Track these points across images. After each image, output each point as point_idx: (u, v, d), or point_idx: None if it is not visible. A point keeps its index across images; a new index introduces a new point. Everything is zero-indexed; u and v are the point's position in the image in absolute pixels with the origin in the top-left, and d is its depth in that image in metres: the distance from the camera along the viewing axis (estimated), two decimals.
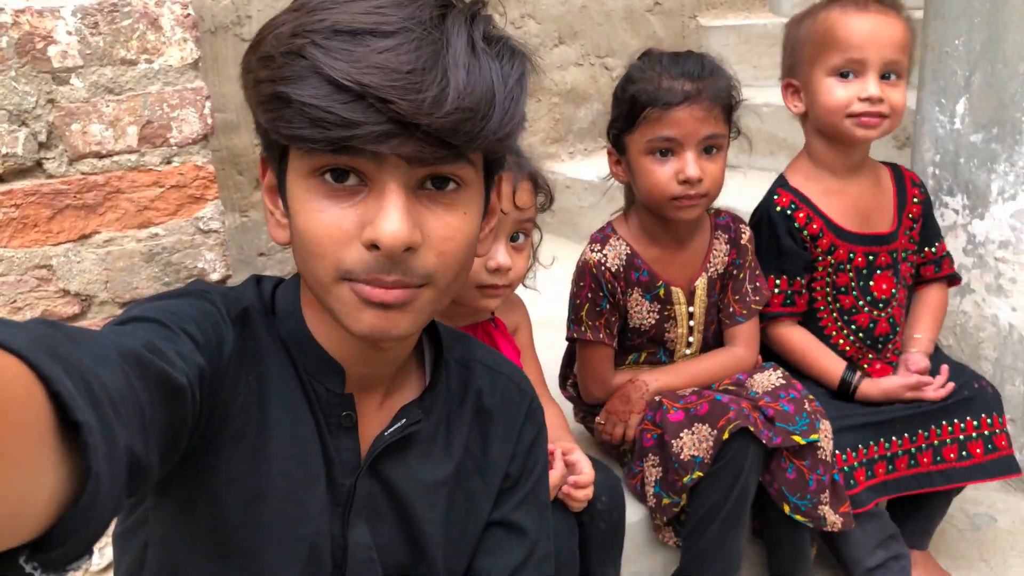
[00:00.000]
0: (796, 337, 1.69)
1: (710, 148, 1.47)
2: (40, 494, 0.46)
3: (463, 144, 0.72)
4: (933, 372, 1.66)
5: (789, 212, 1.66)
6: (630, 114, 1.48)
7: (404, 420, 0.91)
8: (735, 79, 1.50)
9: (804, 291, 1.68)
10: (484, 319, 1.45)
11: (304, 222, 0.75)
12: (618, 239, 1.59)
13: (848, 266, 1.67)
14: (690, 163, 1.44)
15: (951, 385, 1.63)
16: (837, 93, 1.57)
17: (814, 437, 1.48)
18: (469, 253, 0.81)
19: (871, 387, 1.65)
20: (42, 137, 1.44)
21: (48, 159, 1.46)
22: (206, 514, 0.82)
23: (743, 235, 1.64)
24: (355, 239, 0.74)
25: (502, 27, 0.79)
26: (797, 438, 1.46)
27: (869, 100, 1.54)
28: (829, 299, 1.69)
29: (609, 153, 1.58)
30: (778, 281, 1.67)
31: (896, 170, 1.74)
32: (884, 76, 1.55)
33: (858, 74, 1.55)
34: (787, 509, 1.49)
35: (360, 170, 0.73)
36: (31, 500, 0.46)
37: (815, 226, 1.65)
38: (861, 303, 1.68)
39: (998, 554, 1.78)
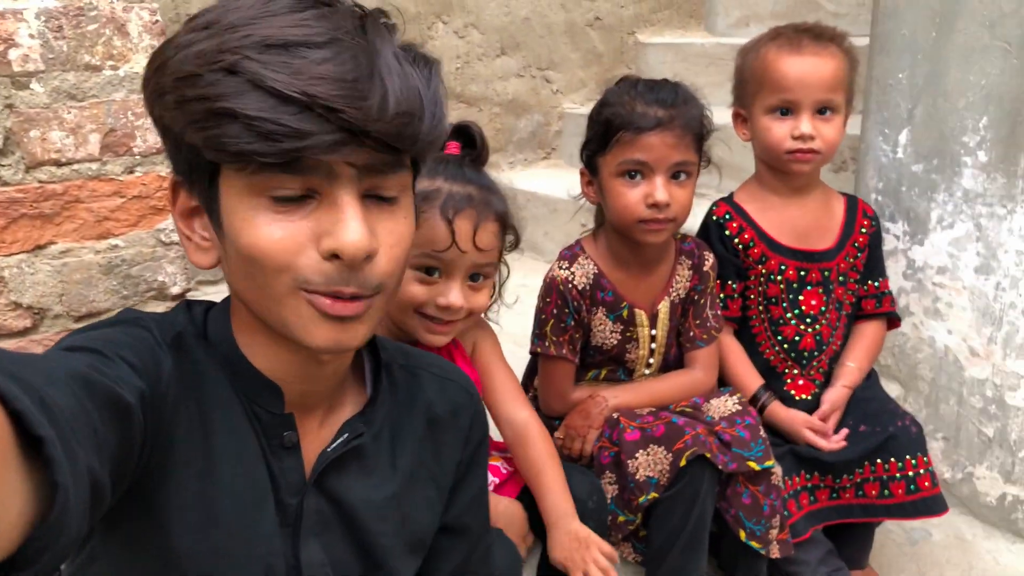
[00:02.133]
0: (725, 345, 1.75)
1: (679, 174, 1.50)
2: (8, 513, 0.47)
3: (406, 148, 0.75)
4: (859, 413, 1.74)
5: (722, 221, 1.75)
6: (604, 136, 1.50)
7: (347, 435, 0.92)
8: (708, 109, 1.54)
9: (737, 296, 1.75)
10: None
11: (252, 239, 0.74)
12: (586, 258, 1.61)
13: (779, 278, 1.73)
14: (659, 187, 1.47)
15: (843, 444, 1.69)
16: (773, 131, 1.65)
17: (769, 464, 1.52)
18: (408, 257, 0.84)
19: (778, 411, 1.72)
20: None
21: (4, 166, 1.40)
22: (157, 544, 0.81)
23: (706, 261, 1.68)
24: (310, 250, 0.75)
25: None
26: (753, 464, 1.50)
27: (801, 138, 1.61)
28: (760, 308, 1.76)
29: (582, 174, 1.60)
30: None
31: (851, 201, 1.81)
32: (820, 111, 1.63)
33: (793, 112, 1.63)
34: (743, 535, 1.52)
35: (310, 183, 0.74)
36: (1, 519, 0.46)
37: (747, 235, 1.73)
38: (789, 315, 1.74)
39: (935, 568, 1.87)
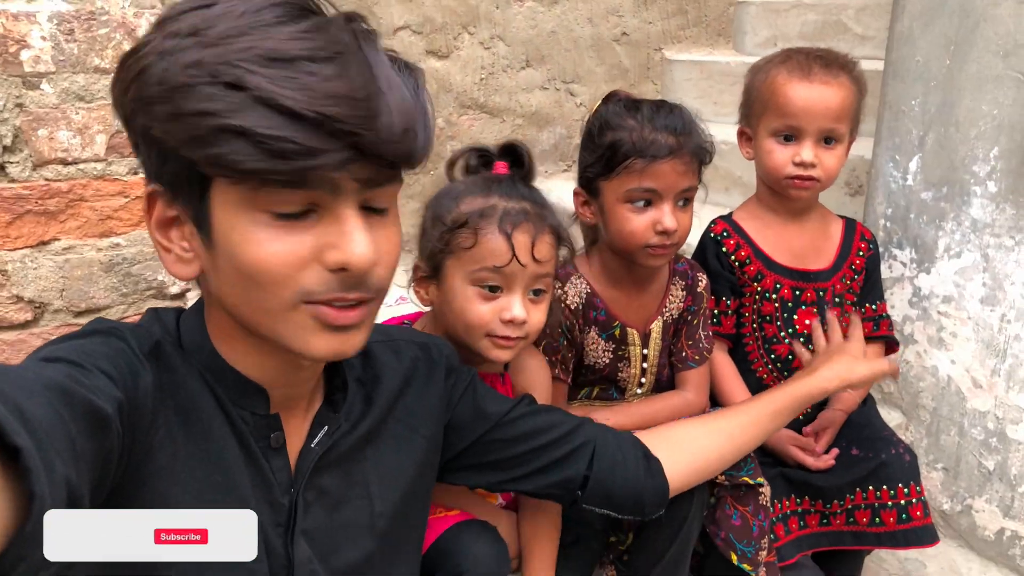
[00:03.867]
0: (717, 362, 1.74)
1: (684, 200, 1.50)
2: None
3: (407, 163, 0.76)
4: (852, 437, 1.71)
5: (719, 238, 1.74)
6: (610, 161, 1.48)
7: (325, 428, 0.93)
8: (708, 134, 1.53)
9: (731, 313, 1.74)
10: (495, 371, 1.44)
11: (253, 254, 0.74)
12: (579, 277, 1.61)
13: (774, 296, 1.73)
14: (667, 215, 1.46)
15: (830, 462, 1.68)
16: (775, 155, 1.64)
17: (760, 480, 1.51)
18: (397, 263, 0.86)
19: None
20: (7, 141, 1.43)
21: (11, 163, 1.44)
22: None
23: (700, 283, 1.67)
24: (313, 262, 0.75)
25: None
26: (746, 479, 1.49)
27: (803, 165, 1.60)
28: (754, 325, 1.75)
29: (576, 194, 1.59)
30: None
31: (849, 223, 1.80)
32: (824, 139, 1.62)
33: (796, 138, 1.61)
34: (735, 558, 1.50)
35: (312, 199, 0.74)
36: None
37: (744, 253, 1.72)
38: (783, 334, 1.74)
39: None
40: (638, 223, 1.47)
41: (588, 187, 1.55)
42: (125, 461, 0.74)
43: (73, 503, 0.56)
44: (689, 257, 1.74)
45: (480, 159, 1.38)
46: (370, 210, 0.79)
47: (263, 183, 0.71)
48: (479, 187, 1.31)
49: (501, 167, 1.37)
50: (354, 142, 0.70)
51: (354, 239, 0.75)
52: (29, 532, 0.49)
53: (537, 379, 1.46)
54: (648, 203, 1.47)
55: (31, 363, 0.70)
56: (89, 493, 0.62)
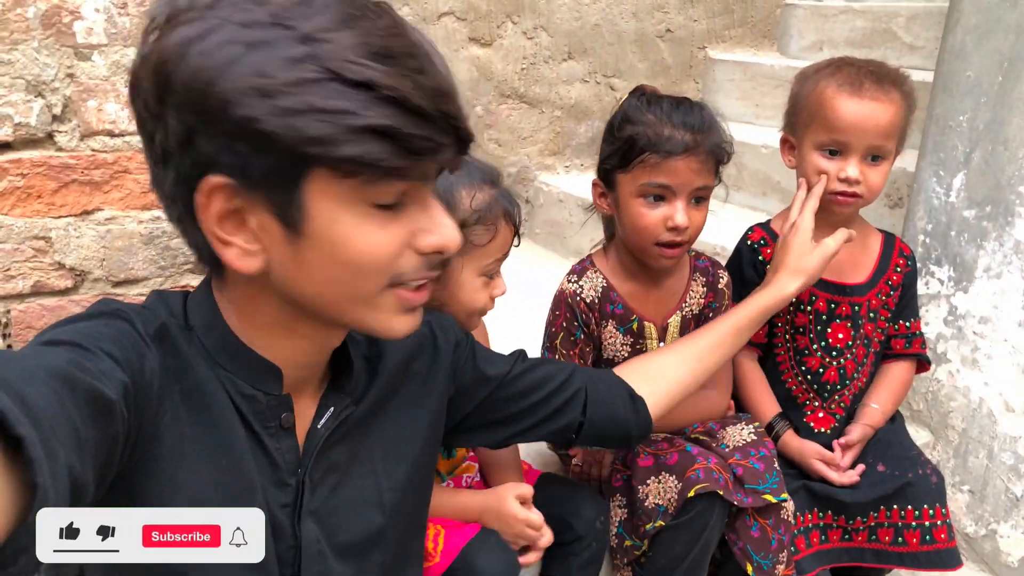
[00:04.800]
0: (745, 370, 1.74)
1: (699, 198, 1.49)
2: None
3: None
4: (878, 453, 1.70)
5: (756, 247, 1.73)
6: (627, 154, 1.48)
7: (332, 409, 0.94)
8: (728, 133, 1.52)
9: (765, 324, 1.72)
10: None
11: (358, 244, 0.76)
12: (595, 271, 1.61)
13: (808, 308, 1.71)
14: (680, 211, 1.46)
15: (855, 479, 1.67)
16: (820, 168, 1.61)
17: (784, 496, 1.50)
18: None
19: (791, 441, 1.70)
20: (57, 110, 1.44)
21: (60, 132, 1.46)
22: None
23: (721, 279, 1.67)
24: (408, 249, 0.80)
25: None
26: (768, 497, 1.49)
27: (847, 181, 1.58)
28: (787, 336, 1.74)
29: (595, 185, 1.59)
30: None
31: (888, 238, 1.78)
32: (871, 156, 1.59)
33: (842, 154, 1.59)
34: (750, 569, 1.50)
35: (408, 189, 0.78)
36: None
37: None
38: (815, 347, 1.72)
39: None
40: (650, 218, 1.47)
41: (606, 179, 1.55)
42: (132, 445, 0.74)
43: (77, 491, 0.57)
44: (723, 264, 1.73)
45: None
46: None
47: (379, 177, 0.73)
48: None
49: None
50: (458, 134, 0.76)
51: (445, 223, 0.81)
52: (32, 522, 0.49)
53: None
54: (661, 198, 1.47)
55: (34, 348, 0.69)
56: (95, 479, 0.63)
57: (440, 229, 0.81)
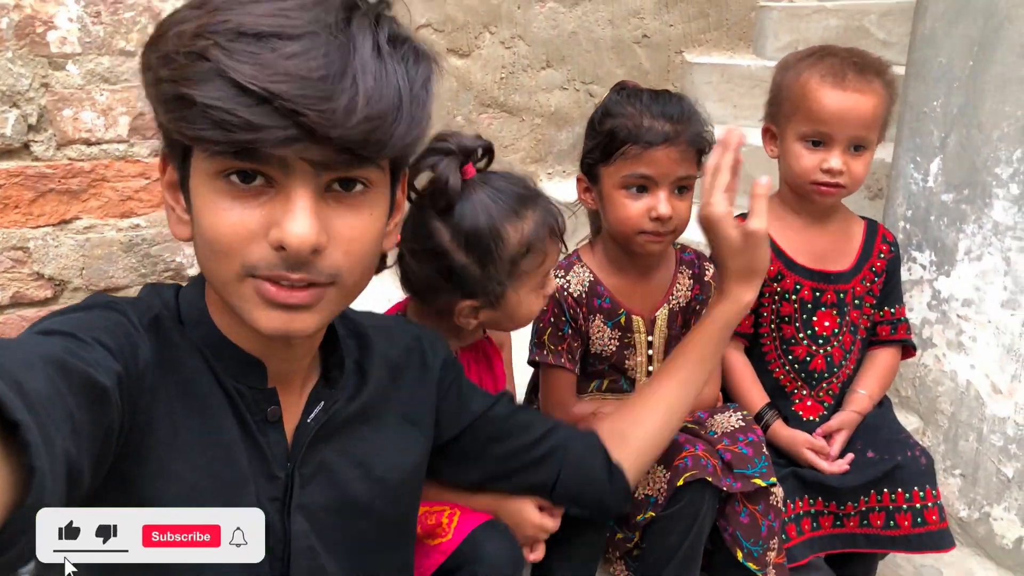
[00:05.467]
0: (733, 361, 1.74)
1: (682, 188, 1.50)
2: None
3: (371, 153, 0.74)
4: (867, 439, 1.70)
5: None
6: (608, 147, 1.49)
7: (322, 403, 0.94)
8: (709, 123, 1.53)
9: (750, 313, 1.72)
10: (479, 338, 1.49)
11: (209, 221, 0.76)
12: (582, 266, 1.61)
13: (793, 297, 1.71)
14: (662, 201, 1.46)
15: (845, 467, 1.66)
16: (803, 160, 1.62)
17: (772, 480, 1.50)
18: (375, 252, 0.83)
19: (780, 430, 1.70)
20: (32, 120, 1.44)
21: (36, 142, 1.46)
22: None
23: (707, 272, 1.67)
24: (261, 238, 0.75)
25: (407, 28, 0.80)
26: (758, 481, 1.48)
27: (830, 172, 1.59)
28: (772, 326, 1.74)
29: (579, 180, 1.60)
30: None
31: (871, 225, 1.79)
32: (854, 147, 1.60)
33: (825, 144, 1.60)
34: (740, 555, 1.50)
35: (266, 172, 0.74)
36: None
37: None
38: (801, 335, 1.72)
39: None
40: (633, 209, 1.48)
41: (589, 173, 1.56)
42: (126, 434, 0.75)
43: (73, 477, 0.57)
44: (708, 255, 1.74)
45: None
46: (343, 192, 0.77)
47: (219, 153, 0.72)
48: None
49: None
50: (299, 121, 0.69)
51: (295, 219, 0.73)
52: (29, 507, 0.49)
53: None
54: (644, 189, 1.48)
55: (28, 336, 0.70)
56: (90, 467, 0.63)
57: (288, 223, 0.73)
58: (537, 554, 1.38)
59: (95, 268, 1.53)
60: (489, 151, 1.29)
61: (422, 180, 1.25)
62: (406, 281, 1.36)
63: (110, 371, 0.70)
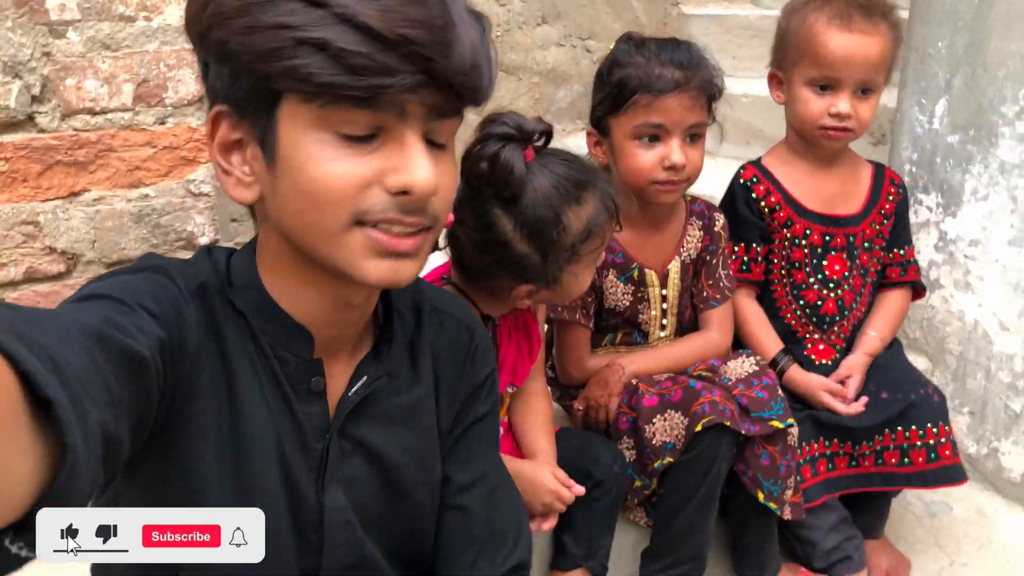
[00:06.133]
0: (746, 308, 1.75)
1: (694, 136, 1.49)
2: (19, 474, 0.47)
3: (472, 100, 0.77)
4: (880, 380, 1.72)
5: (749, 184, 1.73)
6: (618, 98, 1.48)
7: (365, 378, 0.93)
8: (718, 68, 1.52)
9: (761, 260, 1.74)
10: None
11: (313, 171, 0.74)
12: None
13: (803, 242, 1.72)
14: (675, 150, 1.46)
15: (861, 409, 1.67)
16: (810, 105, 1.62)
17: (790, 421, 1.52)
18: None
19: (796, 375, 1.71)
20: (35, 90, 1.43)
21: (40, 113, 1.45)
22: (179, 488, 0.82)
23: (716, 222, 1.67)
24: (374, 186, 0.75)
25: None
26: (776, 423, 1.50)
27: (838, 116, 1.59)
28: (783, 272, 1.75)
29: (589, 134, 1.59)
30: (735, 248, 1.73)
31: (879, 168, 1.79)
32: (861, 90, 1.60)
33: (833, 88, 1.59)
34: (761, 497, 1.52)
35: (379, 118, 0.74)
36: (11, 481, 0.46)
37: (773, 199, 1.71)
38: (812, 280, 1.73)
39: (952, 541, 1.85)
40: (646, 159, 1.48)
41: (598, 126, 1.55)
42: (168, 400, 0.75)
43: (110, 448, 0.57)
44: (717, 204, 1.74)
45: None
46: (431, 143, 0.79)
47: (334, 101, 0.71)
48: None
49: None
50: (428, 67, 0.71)
51: (418, 163, 0.75)
52: (62, 483, 0.49)
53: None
54: (656, 139, 1.47)
55: (70, 305, 0.70)
56: (130, 435, 0.63)
57: (411, 167, 0.75)
58: (550, 522, 1.40)
59: (107, 240, 1.52)
60: (549, 134, 1.25)
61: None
62: (459, 263, 1.34)
63: (152, 337, 0.70)
